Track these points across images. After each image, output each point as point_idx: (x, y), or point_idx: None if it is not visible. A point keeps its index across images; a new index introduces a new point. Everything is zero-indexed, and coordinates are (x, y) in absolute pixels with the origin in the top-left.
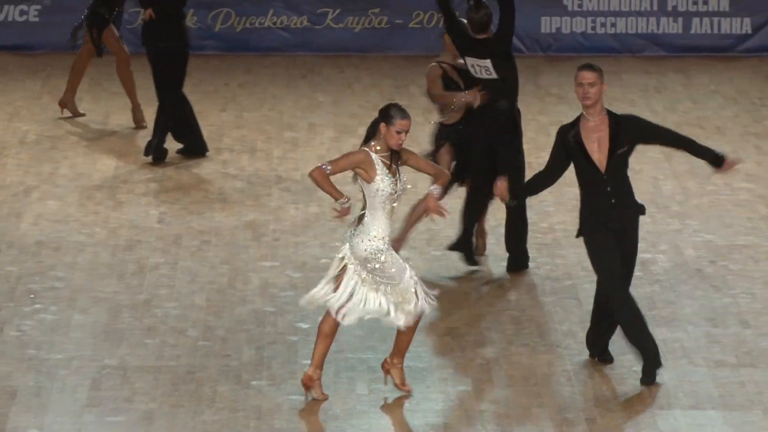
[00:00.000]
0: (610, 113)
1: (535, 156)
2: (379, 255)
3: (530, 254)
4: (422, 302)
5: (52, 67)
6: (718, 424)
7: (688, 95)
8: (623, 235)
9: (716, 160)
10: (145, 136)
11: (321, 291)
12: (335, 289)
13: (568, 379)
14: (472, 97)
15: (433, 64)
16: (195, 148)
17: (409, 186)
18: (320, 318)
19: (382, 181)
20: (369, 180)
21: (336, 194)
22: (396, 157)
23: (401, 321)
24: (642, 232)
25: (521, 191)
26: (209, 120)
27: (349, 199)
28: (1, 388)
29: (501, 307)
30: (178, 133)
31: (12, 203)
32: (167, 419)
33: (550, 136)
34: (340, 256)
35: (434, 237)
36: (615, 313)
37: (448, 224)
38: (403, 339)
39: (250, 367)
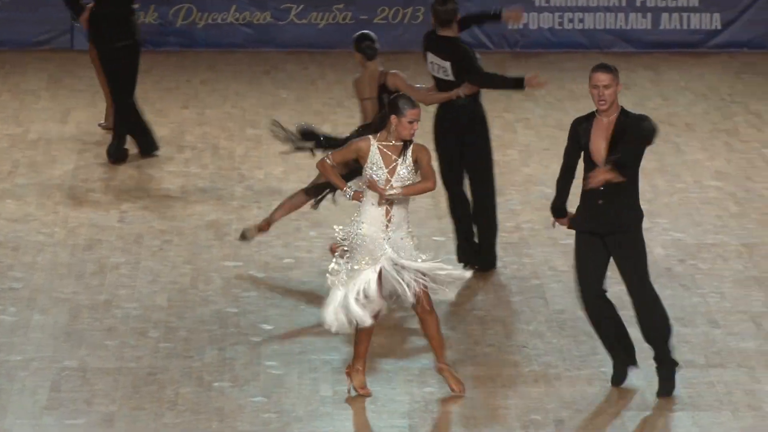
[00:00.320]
0: (623, 112)
1: (502, 153)
2: (351, 237)
3: (497, 253)
4: (359, 312)
5: (11, 65)
6: (687, 425)
7: (658, 92)
8: (614, 240)
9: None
10: (106, 134)
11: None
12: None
13: (535, 380)
14: (467, 89)
15: (393, 71)
16: (145, 148)
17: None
18: (279, 319)
19: (370, 168)
20: (363, 167)
21: (340, 184)
22: (406, 148)
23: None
24: None
25: (559, 209)
26: (170, 117)
27: (351, 188)
28: None
29: (467, 308)
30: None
31: None
32: (128, 422)
33: (516, 133)
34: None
35: None
36: (586, 315)
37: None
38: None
39: (213, 369)
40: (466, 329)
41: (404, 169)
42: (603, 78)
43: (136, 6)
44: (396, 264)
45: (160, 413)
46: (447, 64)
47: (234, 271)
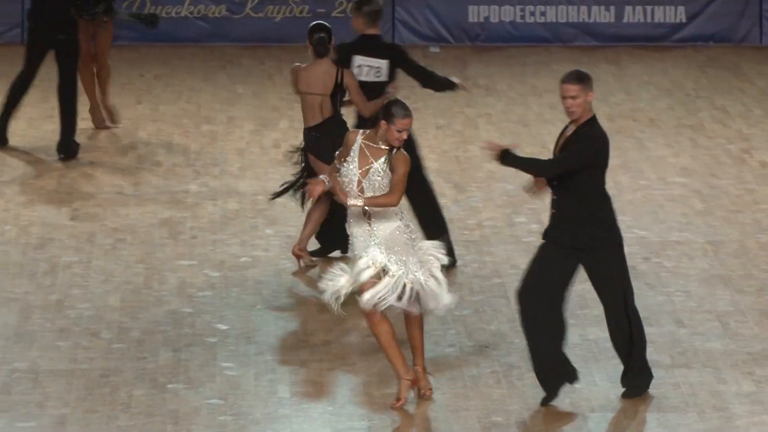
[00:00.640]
0: (587, 123)
1: (463, 150)
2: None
3: (457, 252)
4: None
5: None
6: (653, 426)
7: (621, 86)
8: (580, 257)
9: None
10: (57, 131)
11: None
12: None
13: (497, 380)
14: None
15: (348, 70)
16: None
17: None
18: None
19: (347, 164)
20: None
21: (343, 197)
22: (390, 155)
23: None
24: None
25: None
26: (123, 113)
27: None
28: None
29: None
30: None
31: None
32: (80, 425)
33: (478, 128)
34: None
35: None
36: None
37: None
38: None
39: (167, 370)
40: (427, 329)
41: (379, 174)
42: (570, 89)
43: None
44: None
45: (113, 416)
46: (383, 63)
47: (189, 271)
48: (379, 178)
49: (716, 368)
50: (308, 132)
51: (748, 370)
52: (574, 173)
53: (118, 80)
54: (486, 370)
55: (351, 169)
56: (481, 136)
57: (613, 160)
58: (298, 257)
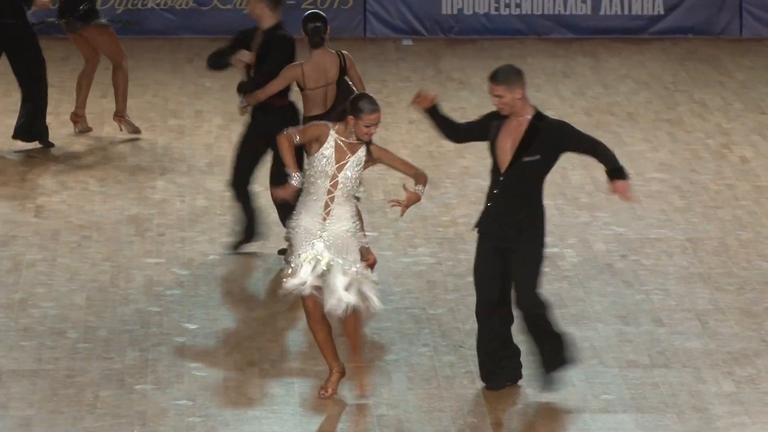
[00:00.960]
0: (536, 116)
1: (436, 145)
2: (290, 228)
3: (432, 249)
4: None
5: None
6: (631, 427)
7: (598, 80)
8: (506, 252)
9: (616, 173)
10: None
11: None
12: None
13: (471, 381)
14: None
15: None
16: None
17: (362, 189)
18: (204, 318)
19: (321, 155)
20: (313, 153)
21: (292, 166)
22: (368, 149)
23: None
24: (549, 226)
25: (438, 115)
26: (89, 107)
27: (299, 177)
28: None
29: (401, 306)
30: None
31: None
32: (45, 426)
33: None
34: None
35: None
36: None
37: None
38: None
39: (134, 370)
40: (400, 328)
41: (354, 167)
42: (495, 89)
43: None
44: (329, 264)
45: (79, 417)
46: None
47: (156, 269)
48: (354, 172)
49: (696, 368)
50: (312, 120)
51: (728, 369)
52: (535, 172)
53: None
54: (461, 370)
55: (325, 163)
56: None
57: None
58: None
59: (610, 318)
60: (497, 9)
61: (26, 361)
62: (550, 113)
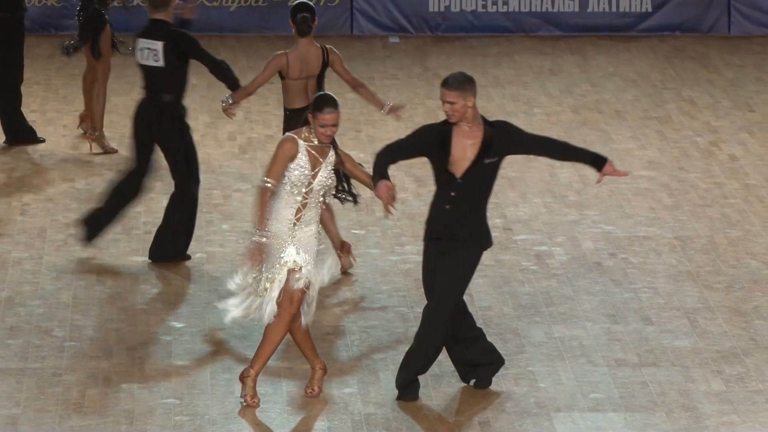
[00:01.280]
0: (484, 121)
1: None
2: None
3: (419, 247)
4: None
5: None
6: (620, 426)
7: (586, 77)
8: (447, 248)
9: (598, 161)
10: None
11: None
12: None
13: (459, 379)
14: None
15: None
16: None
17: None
18: (191, 316)
19: (296, 167)
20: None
21: (260, 223)
22: (335, 151)
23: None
24: (537, 223)
25: (381, 172)
26: (75, 105)
27: (263, 234)
28: None
29: (389, 304)
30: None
31: None
32: (32, 425)
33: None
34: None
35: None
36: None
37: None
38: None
39: (121, 369)
40: (388, 326)
41: (326, 173)
42: (447, 95)
43: None
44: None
45: (65, 416)
46: (158, 45)
47: (143, 267)
48: (328, 175)
49: (685, 367)
50: (293, 113)
51: (717, 368)
52: (490, 174)
53: (69, 71)
54: (449, 369)
55: (299, 174)
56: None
57: None
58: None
59: (598, 316)
60: (484, 6)
61: (12, 359)
62: (538, 111)
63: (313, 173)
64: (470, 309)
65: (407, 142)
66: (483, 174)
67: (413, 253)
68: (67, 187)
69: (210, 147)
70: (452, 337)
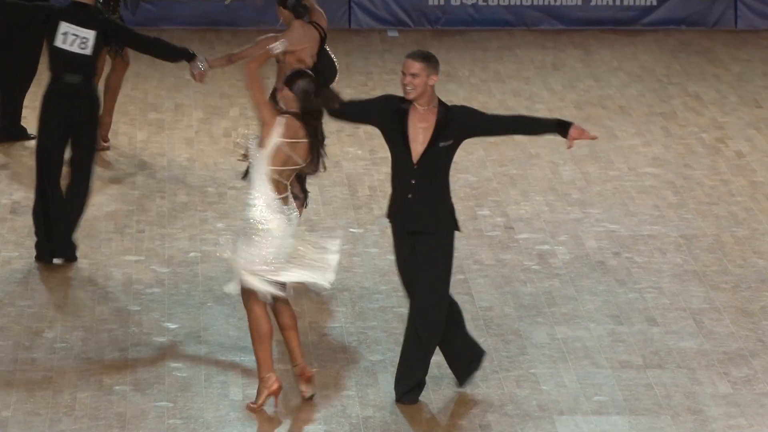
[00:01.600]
0: (441, 104)
1: None
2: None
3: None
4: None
5: None
6: (624, 430)
7: (589, 72)
8: (419, 241)
9: (562, 126)
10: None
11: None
12: None
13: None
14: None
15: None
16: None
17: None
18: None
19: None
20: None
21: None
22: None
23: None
24: (539, 222)
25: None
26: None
27: None
28: None
29: (387, 305)
30: None
31: None
32: (22, 428)
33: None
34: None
35: (314, 228)
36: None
37: (329, 214)
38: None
39: (113, 371)
40: (386, 327)
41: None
42: (412, 66)
43: None
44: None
45: (56, 419)
46: (90, 33)
47: (136, 266)
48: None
49: (691, 368)
50: None
51: (724, 370)
52: (446, 158)
53: None
54: (448, 371)
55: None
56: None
57: (581, 150)
58: None
59: (602, 317)
60: (485, 0)
61: (2, 361)
62: (540, 107)
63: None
64: (470, 309)
65: (365, 101)
66: (439, 158)
67: None
68: None
69: (204, 144)
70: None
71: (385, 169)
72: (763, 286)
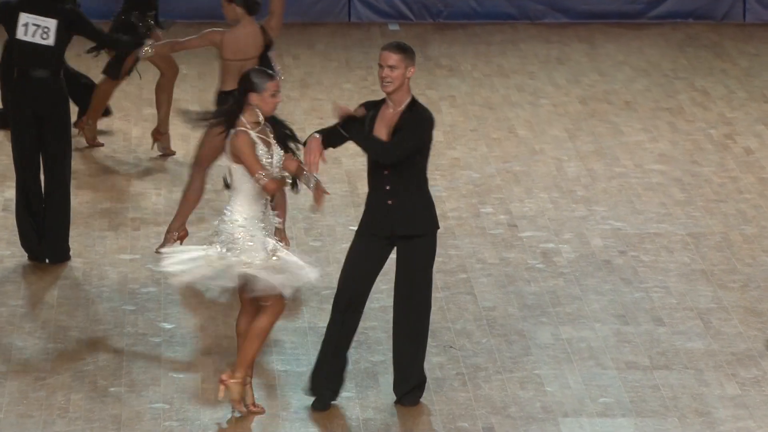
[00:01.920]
0: (411, 103)
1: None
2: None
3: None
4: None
5: None
6: None
7: (594, 66)
8: (402, 245)
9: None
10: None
11: None
12: None
13: (462, 383)
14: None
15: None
16: None
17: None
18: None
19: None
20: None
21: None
22: (275, 126)
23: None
24: (543, 220)
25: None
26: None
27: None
28: None
29: (387, 304)
30: None
31: None
32: (14, 431)
33: (441, 112)
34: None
35: (313, 226)
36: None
37: (329, 212)
38: (246, 348)
39: (108, 372)
40: (387, 328)
41: (277, 148)
42: (389, 57)
43: None
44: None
45: (49, 421)
46: (52, 23)
47: (131, 265)
48: (278, 149)
49: (698, 369)
50: (226, 96)
51: (732, 371)
52: (411, 158)
53: None
54: (451, 372)
55: (267, 162)
56: (444, 121)
57: (587, 146)
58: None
59: (608, 317)
60: None
61: None
62: (544, 102)
63: (270, 155)
64: (473, 309)
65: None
66: (409, 163)
67: None
68: None
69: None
70: (341, 332)
71: None
72: None
